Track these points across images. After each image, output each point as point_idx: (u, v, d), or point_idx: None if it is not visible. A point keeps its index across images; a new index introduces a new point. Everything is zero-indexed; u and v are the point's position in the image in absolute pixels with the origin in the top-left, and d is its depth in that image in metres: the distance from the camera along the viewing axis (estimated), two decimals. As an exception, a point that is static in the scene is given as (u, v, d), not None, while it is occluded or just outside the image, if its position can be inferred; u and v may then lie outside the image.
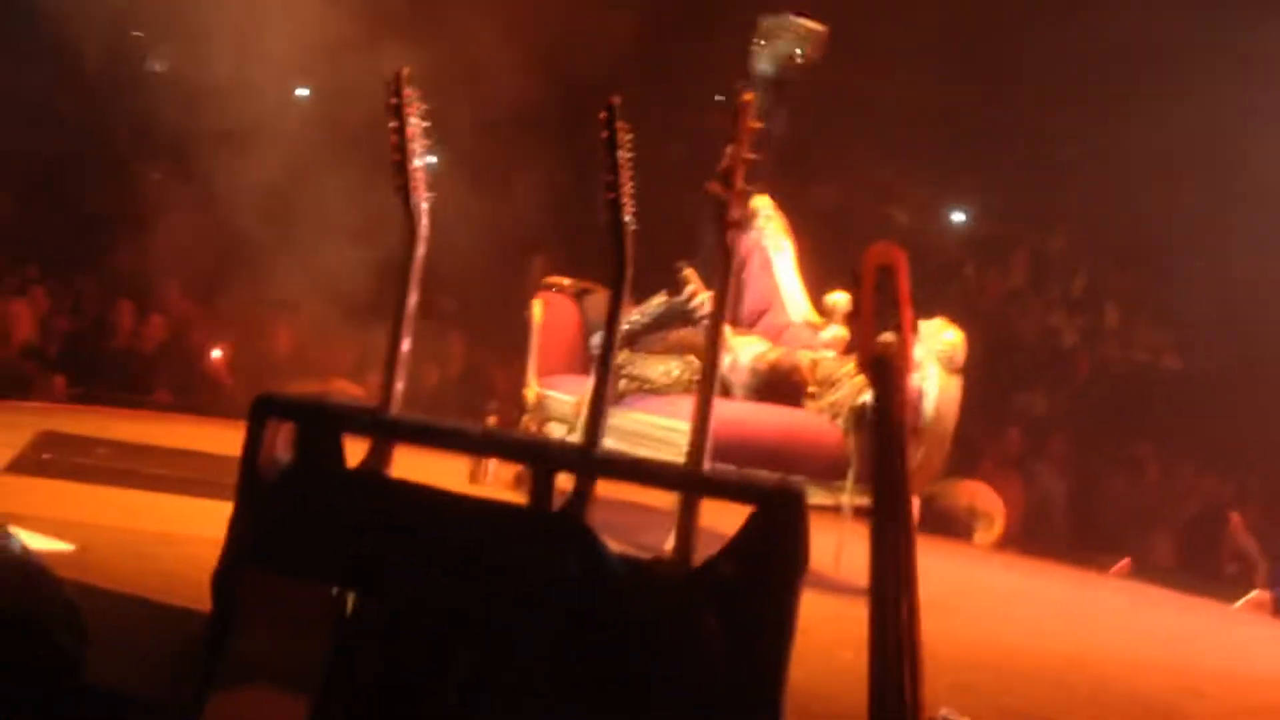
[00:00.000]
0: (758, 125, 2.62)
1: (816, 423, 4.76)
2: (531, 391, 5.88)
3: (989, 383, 8.66)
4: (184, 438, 5.90)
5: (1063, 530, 9.12)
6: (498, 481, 5.40)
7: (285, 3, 7.66)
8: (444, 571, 2.21)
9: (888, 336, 2.33)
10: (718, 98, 13.40)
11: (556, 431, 5.51)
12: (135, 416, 6.77)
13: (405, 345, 2.53)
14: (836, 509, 4.60)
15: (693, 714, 2.29)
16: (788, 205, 5.95)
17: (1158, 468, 10.30)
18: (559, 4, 8.43)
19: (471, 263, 8.01)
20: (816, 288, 5.72)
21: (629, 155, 2.52)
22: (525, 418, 5.81)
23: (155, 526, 3.75)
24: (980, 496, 7.90)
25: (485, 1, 8.04)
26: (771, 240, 5.61)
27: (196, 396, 8.21)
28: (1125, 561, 7.60)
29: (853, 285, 2.33)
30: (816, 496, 4.55)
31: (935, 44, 10.64)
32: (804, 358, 4.98)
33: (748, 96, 2.67)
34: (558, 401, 5.54)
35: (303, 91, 10.17)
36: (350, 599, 2.22)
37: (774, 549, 2.31)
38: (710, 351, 3.03)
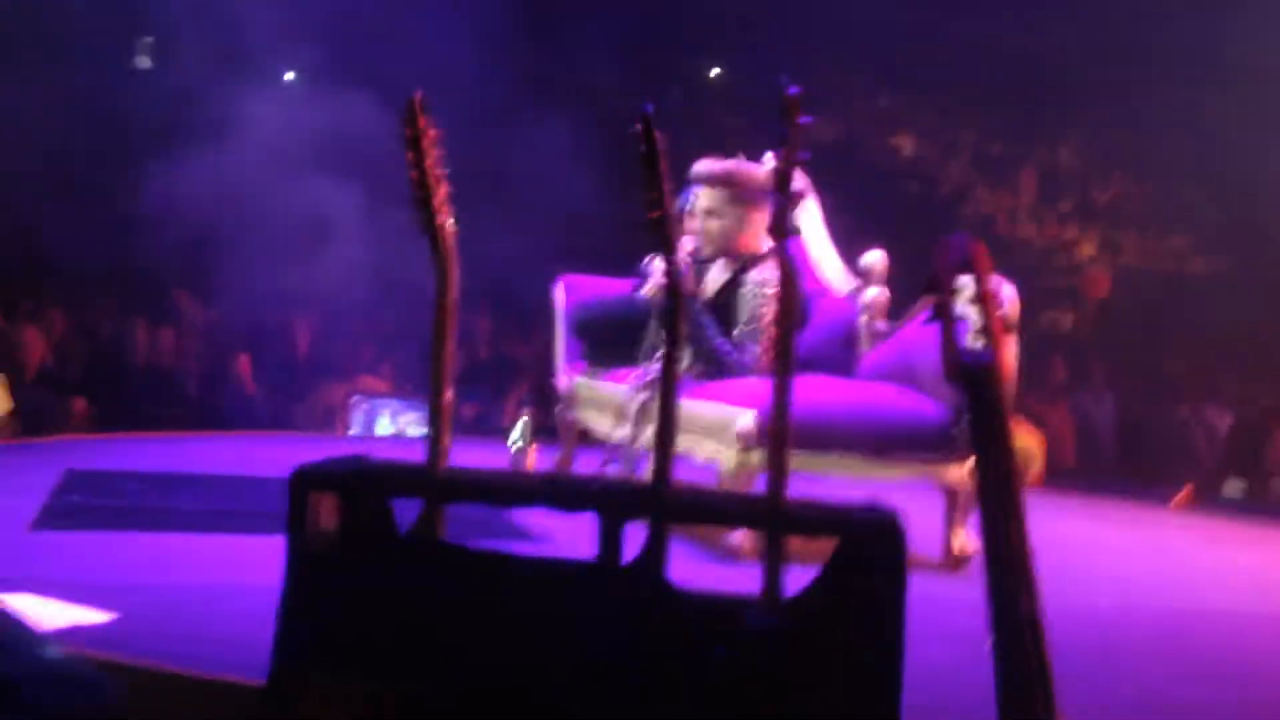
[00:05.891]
0: (808, 121, 2.36)
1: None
2: (562, 380, 5.71)
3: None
4: (216, 459, 5.78)
5: (1112, 459, 8.90)
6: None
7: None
8: (510, 645, 2.04)
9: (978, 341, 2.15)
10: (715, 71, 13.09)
11: (594, 418, 5.33)
12: (161, 438, 6.62)
13: (449, 394, 2.33)
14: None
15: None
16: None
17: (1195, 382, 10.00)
18: None
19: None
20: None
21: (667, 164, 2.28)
22: (559, 408, 5.65)
23: (197, 579, 3.57)
24: (1016, 434, 7.67)
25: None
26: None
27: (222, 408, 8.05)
28: (1187, 490, 7.28)
29: (929, 287, 2.13)
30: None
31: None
32: None
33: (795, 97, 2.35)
34: (591, 389, 5.36)
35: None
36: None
37: (868, 580, 2.13)
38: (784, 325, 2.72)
